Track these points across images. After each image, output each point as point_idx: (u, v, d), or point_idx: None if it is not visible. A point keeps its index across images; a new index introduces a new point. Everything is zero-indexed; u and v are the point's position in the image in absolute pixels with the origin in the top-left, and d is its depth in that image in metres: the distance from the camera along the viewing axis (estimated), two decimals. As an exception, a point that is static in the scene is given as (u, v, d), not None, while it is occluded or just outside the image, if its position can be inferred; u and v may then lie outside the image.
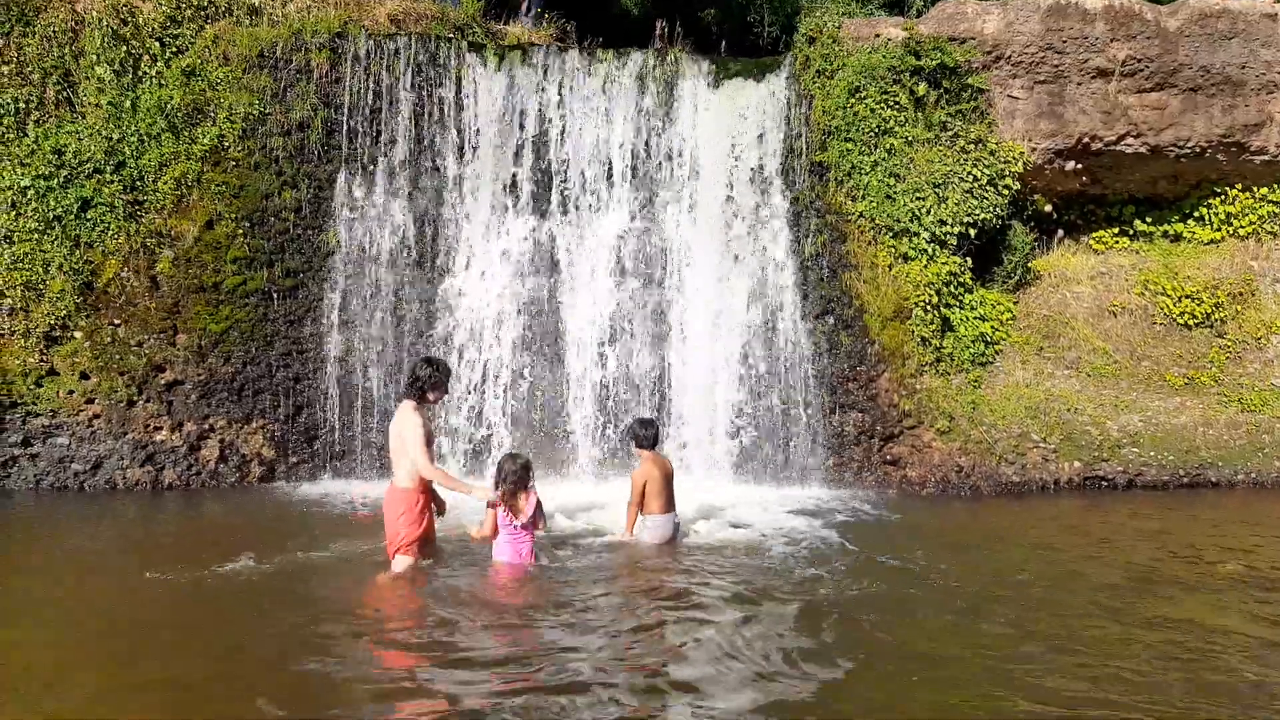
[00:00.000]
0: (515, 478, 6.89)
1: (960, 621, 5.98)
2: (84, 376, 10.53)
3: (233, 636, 5.52)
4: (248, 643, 5.42)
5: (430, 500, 7.00)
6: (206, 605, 6.15)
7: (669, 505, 7.88)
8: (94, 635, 5.60)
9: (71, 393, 10.47)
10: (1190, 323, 12.83)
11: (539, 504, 7.09)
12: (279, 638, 5.44)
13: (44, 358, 10.45)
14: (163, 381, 10.68)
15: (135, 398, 10.57)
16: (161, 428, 10.63)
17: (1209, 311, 12.80)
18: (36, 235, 10.53)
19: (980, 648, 5.47)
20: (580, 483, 10.78)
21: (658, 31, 13.47)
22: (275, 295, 10.99)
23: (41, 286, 10.48)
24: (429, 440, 6.84)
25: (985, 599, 6.51)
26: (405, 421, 6.79)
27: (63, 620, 5.86)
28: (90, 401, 10.51)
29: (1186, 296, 12.87)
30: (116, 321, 10.64)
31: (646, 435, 7.97)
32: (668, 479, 7.89)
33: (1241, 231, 13.40)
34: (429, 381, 6.92)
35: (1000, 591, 6.73)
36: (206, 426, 10.74)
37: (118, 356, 10.56)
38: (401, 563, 6.81)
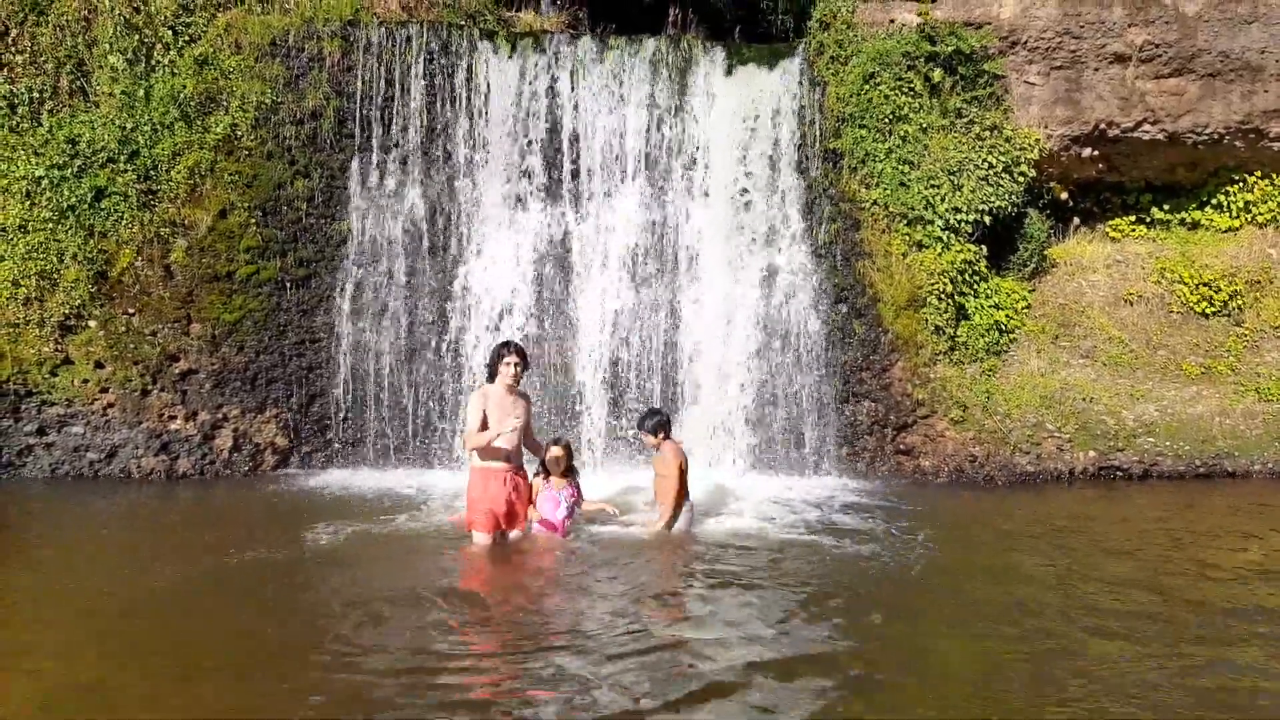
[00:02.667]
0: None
1: (977, 619, 5.95)
2: (99, 365, 10.57)
3: (265, 617, 5.54)
4: (275, 622, 5.45)
5: (509, 476, 7.32)
6: (227, 591, 6.17)
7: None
8: (107, 622, 5.63)
9: (86, 382, 10.51)
10: (1207, 311, 12.72)
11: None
12: (295, 620, 5.47)
13: (59, 347, 10.49)
14: (177, 371, 10.71)
15: (149, 387, 10.61)
16: (176, 417, 10.67)
17: (1226, 300, 12.68)
18: (51, 225, 10.55)
19: (998, 645, 5.45)
20: (591, 473, 10.76)
21: (670, 18, 13.39)
22: (288, 284, 11.00)
23: (56, 276, 10.52)
24: (504, 415, 7.27)
25: (1005, 593, 6.47)
26: (468, 403, 7.57)
27: (77, 609, 5.89)
28: (105, 390, 10.55)
29: (1204, 284, 12.75)
30: (131, 311, 10.68)
31: (668, 424, 8.15)
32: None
33: (1260, 219, 13.25)
34: (488, 363, 7.65)
35: (1018, 585, 6.69)
36: (220, 416, 10.77)
37: (132, 346, 10.60)
38: (475, 538, 7.25)
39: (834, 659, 4.98)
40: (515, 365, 7.46)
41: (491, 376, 7.52)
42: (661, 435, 7.99)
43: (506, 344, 7.66)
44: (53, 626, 5.56)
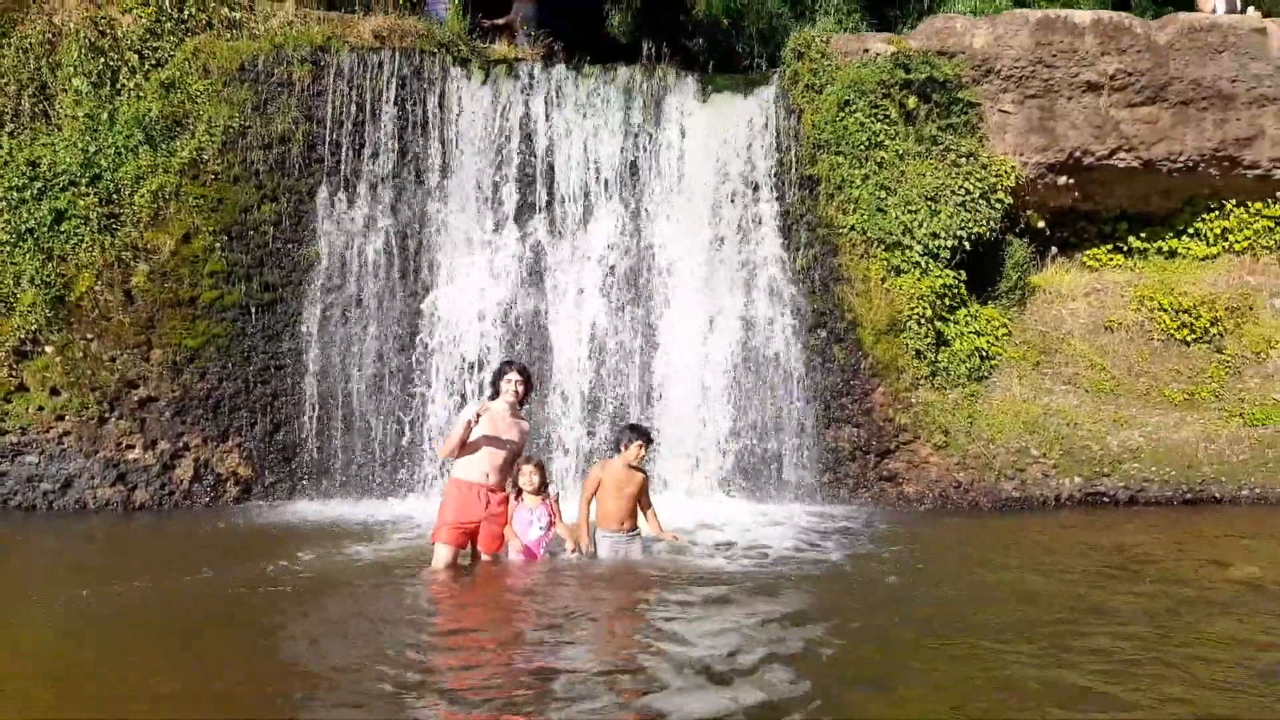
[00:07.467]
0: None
1: (971, 655, 5.59)
2: (54, 393, 10.19)
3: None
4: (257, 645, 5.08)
5: (484, 492, 7.03)
6: (178, 625, 5.80)
7: None
8: (55, 655, 5.26)
9: (41, 409, 10.13)
10: (1188, 338, 12.61)
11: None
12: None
13: (13, 373, 10.12)
14: (135, 398, 10.34)
15: (107, 415, 10.23)
16: (134, 446, 10.28)
17: (1207, 327, 12.58)
18: (8, 247, 10.25)
19: (994, 686, 5.15)
20: (565, 500, 10.41)
21: (645, 52, 13.35)
22: (253, 310, 10.71)
23: (12, 300, 10.19)
24: (498, 433, 7.07)
25: (994, 623, 6.12)
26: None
27: (20, 644, 5.52)
28: (60, 418, 10.16)
29: (1183, 312, 12.66)
30: (89, 336, 10.34)
31: None
32: None
33: (1237, 247, 13.24)
34: (491, 380, 7.51)
35: (1008, 613, 6.36)
36: (180, 445, 10.39)
37: (89, 372, 10.24)
38: (436, 551, 6.93)
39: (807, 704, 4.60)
40: (517, 383, 7.25)
41: (495, 395, 7.33)
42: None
43: (509, 362, 7.60)
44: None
